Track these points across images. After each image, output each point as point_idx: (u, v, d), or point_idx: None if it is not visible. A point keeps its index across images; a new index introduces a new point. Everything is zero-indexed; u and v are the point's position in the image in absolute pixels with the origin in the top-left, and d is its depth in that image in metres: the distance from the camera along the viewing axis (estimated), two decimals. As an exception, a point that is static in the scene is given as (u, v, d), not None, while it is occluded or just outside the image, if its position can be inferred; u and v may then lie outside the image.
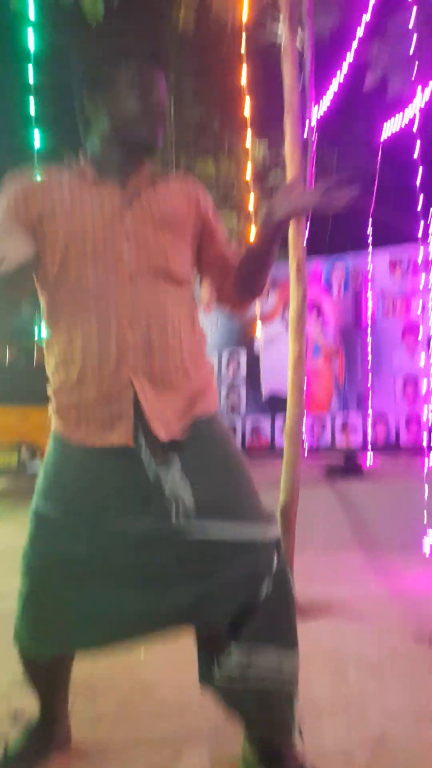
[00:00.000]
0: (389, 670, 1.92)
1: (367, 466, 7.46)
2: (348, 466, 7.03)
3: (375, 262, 8.68)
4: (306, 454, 8.37)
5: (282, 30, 2.53)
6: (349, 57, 5.29)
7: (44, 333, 1.34)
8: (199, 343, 1.36)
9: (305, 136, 2.68)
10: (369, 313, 8.59)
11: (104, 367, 1.22)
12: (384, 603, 2.55)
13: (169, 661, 1.94)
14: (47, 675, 1.40)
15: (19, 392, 5.84)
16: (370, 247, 8.84)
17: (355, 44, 5.12)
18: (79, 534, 1.24)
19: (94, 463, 1.26)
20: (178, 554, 1.23)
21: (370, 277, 8.61)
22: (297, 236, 2.54)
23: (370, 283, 8.63)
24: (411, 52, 4.30)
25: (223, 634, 1.25)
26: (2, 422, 5.76)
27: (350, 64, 5.24)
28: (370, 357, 8.52)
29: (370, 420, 8.47)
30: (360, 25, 4.73)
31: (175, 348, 1.26)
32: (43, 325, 1.34)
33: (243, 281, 1.39)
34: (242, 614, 1.24)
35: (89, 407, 1.24)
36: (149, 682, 1.84)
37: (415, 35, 4.20)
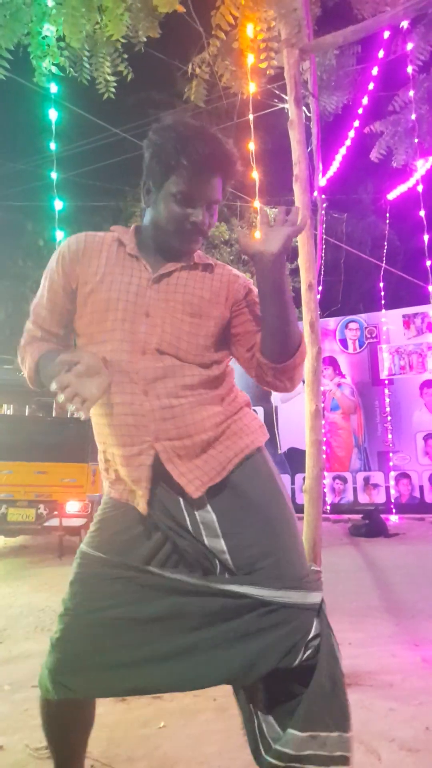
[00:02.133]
0: (426, 753, 1.77)
1: (392, 525, 7.20)
2: (372, 526, 6.81)
3: (389, 319, 8.77)
4: (329, 512, 8.17)
5: (289, 106, 2.70)
6: (352, 133, 5.58)
7: None
8: (223, 393, 1.33)
9: (314, 201, 2.79)
10: (386, 369, 8.58)
11: (124, 430, 1.25)
12: (417, 675, 2.40)
13: (189, 735, 1.83)
14: (63, 726, 1.34)
15: (37, 448, 5.89)
16: (384, 309, 8.98)
17: (356, 123, 5.42)
18: (116, 576, 1.25)
19: (130, 515, 1.29)
20: (206, 611, 1.20)
21: (384, 330, 8.67)
22: (309, 294, 2.59)
23: (384, 339, 8.67)
24: (412, 126, 4.54)
25: (261, 707, 1.19)
26: (20, 479, 5.76)
27: (356, 133, 5.52)
28: (389, 414, 8.43)
29: (392, 479, 8.28)
30: (363, 101, 5.02)
31: (195, 405, 1.26)
32: None
33: (266, 340, 1.28)
34: (281, 687, 1.18)
35: (118, 468, 1.30)
36: (169, 758, 1.73)
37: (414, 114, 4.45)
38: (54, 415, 9.83)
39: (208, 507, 1.24)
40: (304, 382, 2.62)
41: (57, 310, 1.36)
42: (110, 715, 2.00)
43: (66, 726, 1.34)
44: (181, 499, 1.25)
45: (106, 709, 2.02)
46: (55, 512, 5.63)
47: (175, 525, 1.25)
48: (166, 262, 1.32)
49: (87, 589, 1.28)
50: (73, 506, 5.68)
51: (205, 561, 1.24)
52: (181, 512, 1.24)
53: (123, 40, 3.13)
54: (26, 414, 10.37)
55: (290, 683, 1.20)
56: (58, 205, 4.34)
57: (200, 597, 1.21)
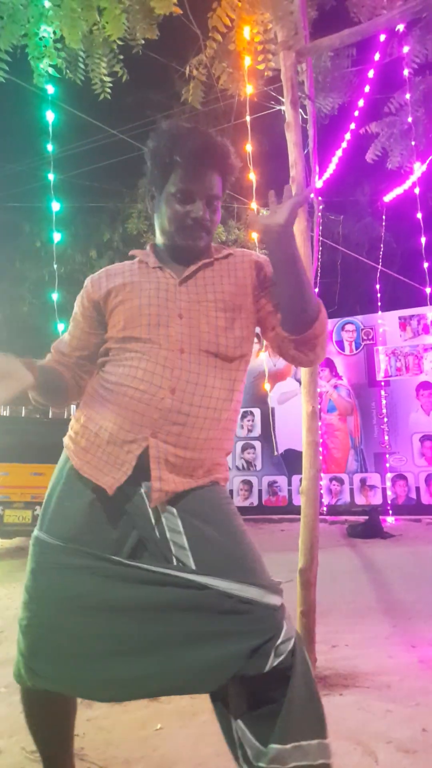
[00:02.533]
0: (423, 754, 1.77)
1: (388, 527, 7.21)
2: (369, 526, 6.82)
3: (385, 321, 8.79)
4: (326, 513, 8.17)
5: (285, 108, 2.71)
6: (348, 135, 5.60)
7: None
8: (232, 419, 1.36)
9: (311, 203, 2.79)
10: (382, 370, 8.60)
11: (129, 415, 1.26)
12: (414, 676, 2.40)
13: (187, 737, 1.83)
14: (45, 716, 1.33)
15: (34, 450, 5.88)
16: (380, 311, 9.00)
17: (352, 126, 5.44)
18: (76, 566, 1.24)
19: (91, 497, 1.28)
20: (169, 602, 1.19)
21: (381, 332, 8.68)
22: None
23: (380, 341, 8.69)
24: (408, 128, 4.55)
25: (239, 718, 1.18)
26: (17, 480, 5.75)
27: (353, 134, 5.54)
28: (385, 416, 8.45)
29: (389, 480, 8.29)
30: (360, 102, 5.04)
31: (207, 421, 1.28)
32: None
33: (284, 312, 1.30)
34: (258, 696, 1.17)
35: (101, 442, 1.29)
36: (167, 760, 1.72)
37: (410, 117, 4.47)
38: (50, 416, 9.81)
39: (172, 508, 1.26)
40: (300, 383, 2.62)
41: (76, 335, 1.43)
42: (108, 717, 2.00)
43: (47, 715, 1.33)
44: (145, 495, 1.25)
45: (102, 712, 2.02)
46: None
47: (139, 517, 1.26)
48: (187, 266, 1.35)
49: (48, 579, 1.27)
50: (69, 508, 5.65)
51: (167, 553, 1.24)
52: (145, 506, 1.25)
53: (120, 42, 3.13)
54: (22, 415, 10.35)
55: (266, 691, 1.18)
56: (55, 206, 4.34)
57: (162, 587, 1.20)
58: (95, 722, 1.95)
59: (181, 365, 1.27)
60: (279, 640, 1.16)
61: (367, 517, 7.04)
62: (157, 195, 1.34)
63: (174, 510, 1.25)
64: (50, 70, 3.20)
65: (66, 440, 1.39)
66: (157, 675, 1.18)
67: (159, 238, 1.40)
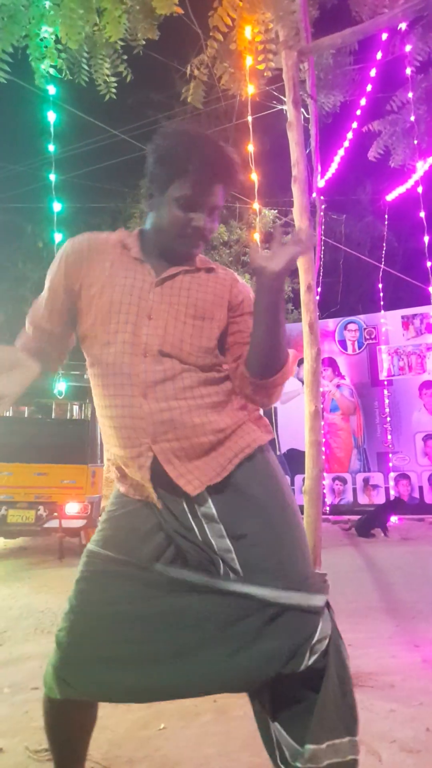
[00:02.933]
0: (426, 753, 1.77)
1: (391, 526, 7.20)
2: (374, 517, 6.77)
3: (388, 320, 8.78)
4: (329, 513, 8.17)
5: (287, 107, 2.70)
6: (350, 134, 5.59)
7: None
8: (223, 401, 1.33)
9: (313, 203, 2.79)
10: (385, 369, 8.59)
11: (123, 432, 1.27)
12: (417, 675, 2.40)
13: (190, 737, 1.83)
14: (65, 726, 1.34)
15: (37, 450, 5.90)
16: (383, 310, 8.98)
17: (354, 125, 5.43)
18: (118, 573, 1.26)
19: (138, 513, 1.31)
20: (209, 611, 1.20)
21: (383, 331, 8.67)
22: (308, 295, 2.60)
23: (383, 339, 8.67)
24: (410, 126, 4.54)
25: (276, 717, 1.19)
26: (20, 480, 5.77)
27: (355, 133, 5.53)
28: (388, 415, 8.44)
29: (392, 480, 8.28)
30: (362, 101, 5.03)
31: (192, 408, 1.26)
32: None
33: (252, 355, 1.28)
34: (293, 694, 1.18)
35: (122, 466, 1.32)
36: (169, 760, 1.73)
37: (413, 115, 4.46)
38: (53, 416, 9.82)
39: (212, 508, 1.24)
40: (303, 383, 2.62)
41: (56, 309, 1.36)
42: (111, 717, 2.00)
43: (68, 726, 1.34)
44: (184, 501, 1.25)
45: (106, 712, 2.02)
46: (55, 513, 5.63)
47: (179, 525, 1.26)
48: (169, 266, 1.34)
49: (92, 586, 1.28)
50: (72, 508, 5.68)
51: (209, 563, 1.24)
52: (184, 513, 1.25)
53: (122, 42, 3.13)
54: (26, 416, 10.37)
55: (301, 689, 1.19)
56: (57, 207, 4.34)
57: (203, 596, 1.21)
58: (98, 722, 1.94)
59: (146, 368, 1.25)
60: (315, 639, 1.17)
61: (373, 510, 6.99)
62: (157, 195, 1.32)
63: (215, 513, 1.24)
64: (51, 71, 3.21)
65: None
66: (196, 677, 1.19)
67: (151, 231, 1.36)
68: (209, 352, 1.31)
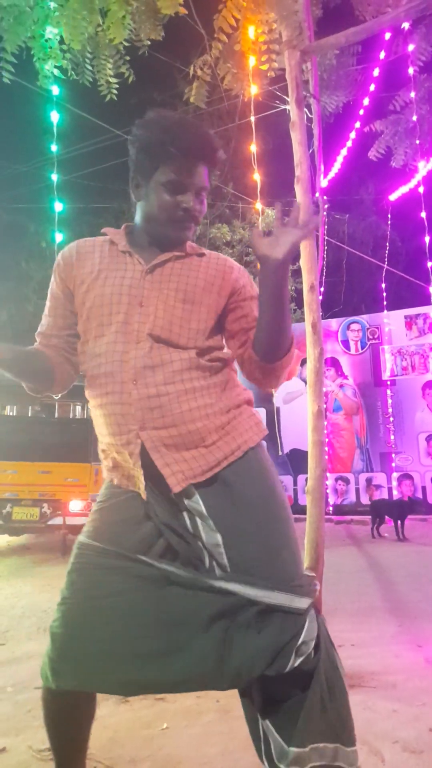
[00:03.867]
0: (429, 754, 1.77)
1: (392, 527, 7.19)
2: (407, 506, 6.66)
3: (391, 320, 8.76)
4: (332, 513, 8.16)
5: (290, 107, 2.70)
6: (353, 134, 5.59)
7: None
8: (217, 382, 1.33)
9: (316, 202, 2.79)
10: (388, 369, 8.58)
11: (113, 419, 1.28)
12: (420, 675, 2.40)
13: (192, 736, 1.84)
14: (63, 718, 1.34)
15: (41, 448, 5.96)
16: (386, 310, 8.96)
17: (357, 124, 5.42)
18: (110, 566, 1.26)
19: (129, 502, 1.31)
20: (196, 606, 1.20)
21: (386, 331, 8.66)
22: (311, 295, 2.60)
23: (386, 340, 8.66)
24: (413, 126, 4.53)
25: (265, 716, 1.19)
26: (24, 478, 5.82)
27: (358, 133, 5.52)
28: (391, 415, 8.42)
29: (395, 480, 8.27)
30: (365, 100, 5.02)
31: (181, 394, 1.27)
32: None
33: (259, 340, 1.30)
34: (282, 695, 1.19)
35: (114, 455, 1.33)
36: (172, 759, 1.73)
37: (415, 115, 4.45)
38: (57, 415, 9.86)
39: (199, 503, 1.25)
40: (306, 383, 2.62)
41: (59, 314, 1.41)
42: (113, 716, 2.00)
43: (67, 719, 1.35)
44: (172, 493, 1.26)
45: (109, 710, 2.03)
46: (59, 511, 5.69)
47: (168, 517, 1.26)
48: (160, 254, 1.35)
49: (84, 578, 1.28)
50: (76, 505, 5.74)
51: (196, 558, 1.25)
52: (175, 505, 1.26)
53: (126, 43, 3.14)
54: (29, 415, 10.40)
55: (291, 690, 1.19)
56: (58, 207, 4.36)
57: (190, 592, 1.21)
58: (101, 721, 1.96)
59: (137, 354, 1.27)
60: (300, 640, 1.17)
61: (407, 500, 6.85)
62: (143, 184, 1.34)
63: (203, 508, 1.24)
64: (55, 72, 3.21)
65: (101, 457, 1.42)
66: (184, 672, 1.20)
67: (139, 222, 1.38)
68: (201, 334, 1.32)
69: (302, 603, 1.20)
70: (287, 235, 1.20)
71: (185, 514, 1.26)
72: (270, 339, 1.28)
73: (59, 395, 1.50)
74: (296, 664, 1.16)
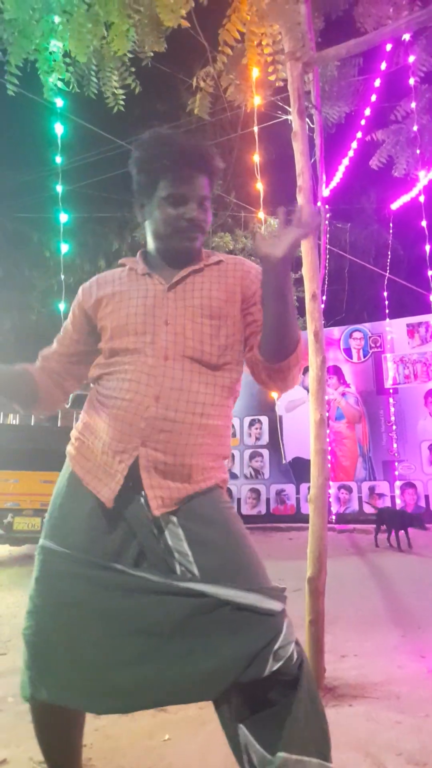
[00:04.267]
0: (433, 764, 1.75)
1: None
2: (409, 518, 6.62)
3: (393, 328, 8.77)
4: (334, 522, 8.13)
5: (292, 118, 2.73)
6: (354, 144, 5.63)
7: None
8: (224, 425, 1.36)
9: (318, 212, 2.80)
10: (390, 378, 8.57)
11: (119, 425, 1.28)
12: (423, 686, 2.38)
13: (194, 746, 1.82)
14: (53, 727, 1.33)
15: (43, 457, 5.93)
16: (388, 318, 8.97)
17: (359, 134, 5.47)
18: (78, 574, 1.24)
19: (94, 505, 1.29)
20: (168, 612, 1.19)
21: (389, 339, 8.66)
22: (313, 304, 2.61)
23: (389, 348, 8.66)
24: (414, 136, 4.56)
25: (245, 724, 1.17)
26: (26, 488, 5.79)
27: (359, 143, 5.56)
28: (393, 423, 8.41)
29: (398, 488, 8.24)
30: (366, 111, 5.07)
31: (194, 427, 1.28)
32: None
33: (264, 340, 1.30)
34: (262, 702, 1.17)
35: (97, 451, 1.30)
36: (174, 766, 1.72)
37: (416, 126, 4.48)
38: (59, 424, 9.86)
39: (173, 516, 1.25)
40: (308, 391, 2.62)
41: (65, 343, 1.47)
42: (115, 726, 1.99)
43: (54, 727, 1.33)
44: (143, 500, 1.25)
45: (110, 721, 2.01)
46: None
47: (139, 525, 1.25)
48: (177, 271, 1.37)
49: (51, 587, 1.28)
50: (77, 515, 5.70)
51: (165, 565, 1.24)
52: (146, 515, 1.25)
53: (130, 54, 3.17)
54: (32, 423, 10.41)
55: (269, 697, 1.17)
56: (63, 217, 4.39)
57: (160, 597, 1.20)
58: (103, 732, 1.94)
59: (165, 372, 1.28)
60: (277, 645, 1.15)
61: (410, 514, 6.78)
62: (147, 203, 1.37)
63: (175, 519, 1.25)
64: (59, 84, 3.25)
65: (68, 448, 1.40)
66: (157, 684, 1.18)
67: (151, 244, 1.42)
68: (229, 349, 1.35)
69: (273, 605, 1.19)
70: (288, 233, 1.22)
71: (155, 525, 1.25)
72: (274, 339, 1.28)
73: (43, 416, 1.53)
74: (275, 669, 1.14)
